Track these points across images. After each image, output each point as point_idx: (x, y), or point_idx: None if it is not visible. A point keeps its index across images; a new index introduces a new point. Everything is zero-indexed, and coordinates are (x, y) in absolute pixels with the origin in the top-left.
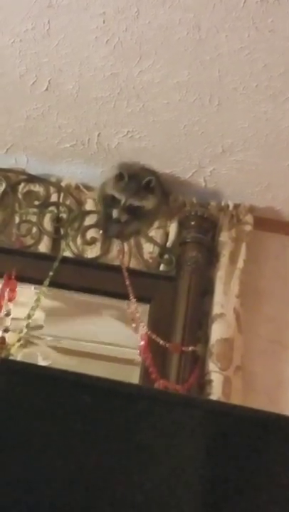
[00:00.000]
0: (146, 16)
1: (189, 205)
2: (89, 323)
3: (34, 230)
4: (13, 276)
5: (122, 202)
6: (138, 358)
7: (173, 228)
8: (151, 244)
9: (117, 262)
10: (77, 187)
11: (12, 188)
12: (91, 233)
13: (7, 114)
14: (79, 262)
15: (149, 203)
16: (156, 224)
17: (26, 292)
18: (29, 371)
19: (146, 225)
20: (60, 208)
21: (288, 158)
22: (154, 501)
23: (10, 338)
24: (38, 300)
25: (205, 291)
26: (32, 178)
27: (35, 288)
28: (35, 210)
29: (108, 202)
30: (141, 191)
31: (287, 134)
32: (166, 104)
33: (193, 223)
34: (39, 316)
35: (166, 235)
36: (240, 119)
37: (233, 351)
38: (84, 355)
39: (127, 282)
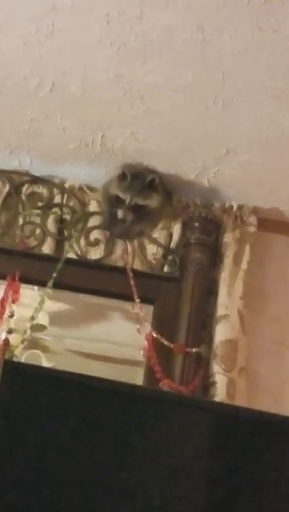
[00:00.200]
0: (150, 17)
1: (193, 207)
2: (92, 324)
3: (38, 231)
4: (16, 278)
5: (127, 201)
6: (142, 359)
7: (177, 229)
8: (154, 245)
9: (120, 263)
10: (80, 188)
11: (16, 189)
12: (95, 234)
13: (11, 116)
14: (83, 264)
15: (153, 202)
16: (160, 225)
17: (30, 294)
18: (33, 372)
19: (150, 225)
20: (64, 209)
21: None
22: (158, 500)
23: (14, 339)
24: (41, 301)
25: (209, 292)
26: (36, 180)
27: (38, 289)
28: (38, 211)
29: (112, 202)
30: (145, 190)
31: None
32: (170, 106)
33: (197, 224)
34: (43, 317)
35: (170, 236)
36: (244, 120)
37: (237, 352)
38: (88, 356)
39: (132, 282)
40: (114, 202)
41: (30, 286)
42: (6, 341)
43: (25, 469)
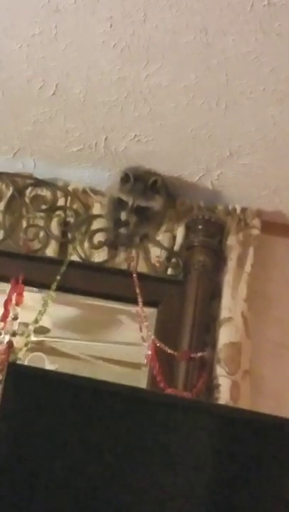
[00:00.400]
0: (153, 19)
1: (196, 209)
2: (96, 326)
3: (41, 234)
4: (20, 281)
5: (130, 203)
6: (145, 361)
7: (180, 232)
8: (158, 248)
9: (124, 266)
10: (84, 191)
11: (19, 192)
12: (98, 237)
13: (14, 119)
14: (86, 266)
15: (156, 204)
16: (163, 228)
17: (34, 296)
18: (36, 375)
19: (154, 228)
20: (68, 212)
21: None
22: (163, 503)
23: (17, 342)
24: (45, 304)
25: (212, 295)
26: (39, 183)
27: (42, 292)
28: (42, 214)
29: (115, 205)
30: (147, 192)
31: None
32: (173, 108)
33: (200, 227)
34: (46, 320)
35: (174, 238)
36: (247, 123)
37: (241, 355)
38: (92, 358)
39: (137, 288)
40: (117, 205)
41: (34, 288)
42: (10, 344)
43: (29, 471)
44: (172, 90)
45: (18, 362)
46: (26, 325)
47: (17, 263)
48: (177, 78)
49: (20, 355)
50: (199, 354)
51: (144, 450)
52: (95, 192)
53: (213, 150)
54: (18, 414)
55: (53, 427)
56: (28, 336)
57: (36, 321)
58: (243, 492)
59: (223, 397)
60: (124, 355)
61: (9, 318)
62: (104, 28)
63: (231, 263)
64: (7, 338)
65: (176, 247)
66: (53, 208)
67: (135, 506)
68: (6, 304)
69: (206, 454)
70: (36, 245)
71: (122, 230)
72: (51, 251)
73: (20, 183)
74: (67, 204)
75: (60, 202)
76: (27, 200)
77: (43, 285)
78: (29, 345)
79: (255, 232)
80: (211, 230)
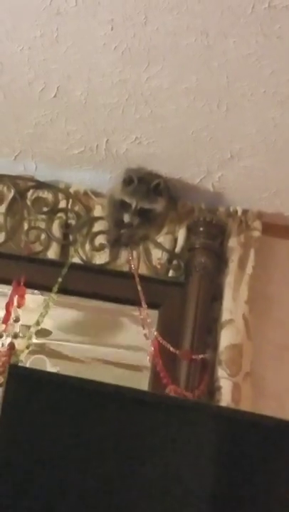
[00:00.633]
0: (154, 22)
1: (198, 211)
2: (97, 329)
3: (43, 236)
4: (22, 283)
5: (133, 205)
6: (147, 364)
7: (181, 234)
8: (159, 250)
9: (125, 268)
10: (85, 193)
11: (21, 194)
12: (100, 239)
13: (16, 121)
14: (88, 268)
15: (158, 206)
16: (164, 230)
17: (35, 299)
18: (38, 377)
19: (155, 230)
20: (69, 214)
21: None
22: (164, 503)
23: (19, 344)
24: (46, 306)
25: (214, 297)
26: (41, 185)
27: (43, 294)
28: (43, 216)
29: (117, 207)
30: (150, 194)
31: None
32: (174, 110)
33: (201, 229)
34: (48, 322)
35: (175, 240)
36: (248, 125)
37: (242, 357)
38: (93, 361)
39: (139, 288)
40: (120, 207)
41: (36, 291)
42: (12, 346)
43: (29, 473)
44: (173, 92)
45: (19, 364)
46: (28, 327)
47: (18, 265)
48: (178, 80)
49: (21, 357)
50: (201, 356)
51: (146, 452)
52: (96, 194)
53: (214, 152)
54: (19, 416)
55: (54, 428)
56: (30, 338)
57: (38, 323)
58: (244, 493)
59: (225, 399)
60: (126, 358)
61: (11, 321)
62: (106, 31)
63: (232, 265)
64: (9, 340)
65: (177, 249)
66: (54, 210)
67: (136, 507)
68: (8, 306)
69: (207, 455)
70: (38, 247)
71: (123, 231)
72: (53, 253)
73: (21, 185)
74: (69, 206)
75: (62, 204)
76: (28, 202)
77: (44, 287)
78: (31, 348)
79: (256, 234)
80: (212, 231)
